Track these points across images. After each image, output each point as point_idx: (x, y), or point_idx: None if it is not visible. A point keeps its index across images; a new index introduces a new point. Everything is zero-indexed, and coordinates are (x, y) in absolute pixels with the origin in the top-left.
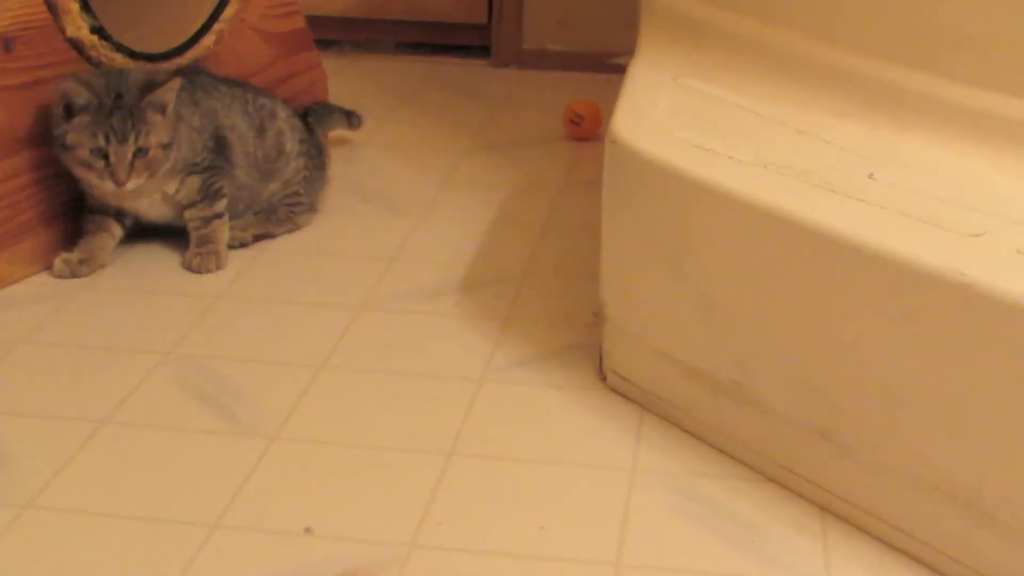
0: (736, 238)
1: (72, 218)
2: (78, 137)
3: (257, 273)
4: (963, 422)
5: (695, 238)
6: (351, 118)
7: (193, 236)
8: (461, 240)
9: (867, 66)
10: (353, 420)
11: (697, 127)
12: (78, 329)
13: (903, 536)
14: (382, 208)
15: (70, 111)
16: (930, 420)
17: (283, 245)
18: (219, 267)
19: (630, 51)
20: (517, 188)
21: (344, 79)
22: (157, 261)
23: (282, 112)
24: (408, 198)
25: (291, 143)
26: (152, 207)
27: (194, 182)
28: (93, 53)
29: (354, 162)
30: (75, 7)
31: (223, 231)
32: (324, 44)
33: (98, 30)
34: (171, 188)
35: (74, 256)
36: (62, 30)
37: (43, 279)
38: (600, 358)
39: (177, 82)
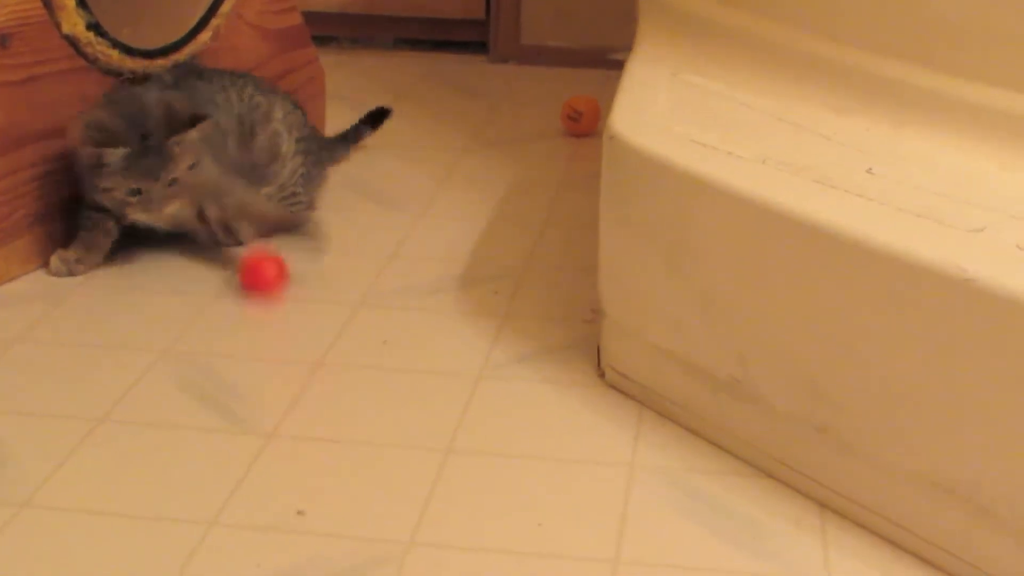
0: (735, 234)
1: (69, 215)
2: (112, 181)
3: None
4: (962, 418)
5: (694, 234)
6: (375, 123)
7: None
8: (459, 236)
9: (867, 61)
10: (351, 417)
11: (696, 123)
12: (75, 327)
13: (902, 532)
14: (380, 205)
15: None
16: (929, 416)
17: (280, 242)
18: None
19: (629, 47)
20: (516, 184)
21: (341, 75)
22: (154, 259)
23: (279, 112)
24: (406, 195)
25: (287, 144)
26: (175, 218)
27: None
28: (89, 50)
29: (352, 159)
30: (71, 3)
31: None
32: (321, 40)
33: (94, 26)
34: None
35: (71, 254)
36: (58, 26)
37: (39, 276)
38: (599, 354)
39: (207, 125)
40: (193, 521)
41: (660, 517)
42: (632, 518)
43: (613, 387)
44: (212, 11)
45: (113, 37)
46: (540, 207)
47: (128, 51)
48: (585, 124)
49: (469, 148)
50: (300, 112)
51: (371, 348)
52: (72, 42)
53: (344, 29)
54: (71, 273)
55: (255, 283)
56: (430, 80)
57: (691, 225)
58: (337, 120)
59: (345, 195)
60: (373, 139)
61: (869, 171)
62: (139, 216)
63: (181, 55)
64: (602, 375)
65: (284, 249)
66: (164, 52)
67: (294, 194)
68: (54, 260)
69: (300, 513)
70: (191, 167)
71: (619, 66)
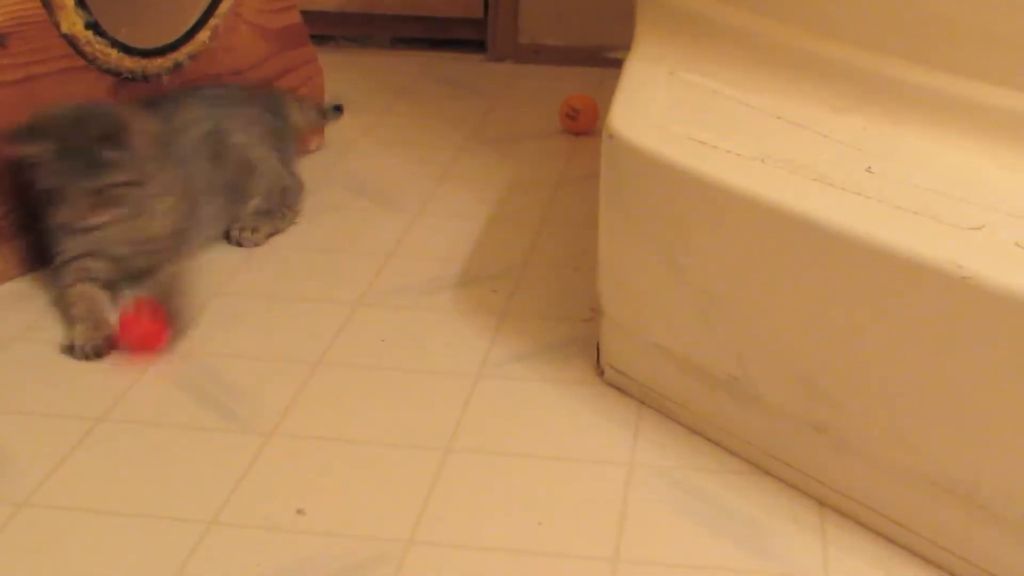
0: (733, 232)
1: None
2: (45, 182)
3: (253, 269)
4: (961, 415)
5: (692, 232)
6: (327, 115)
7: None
8: (458, 235)
9: (865, 59)
10: (350, 416)
11: (694, 121)
12: None
13: (901, 530)
14: (378, 203)
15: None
16: (928, 414)
17: (278, 241)
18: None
19: (627, 45)
20: (514, 183)
21: (340, 74)
22: None
23: (238, 123)
24: (404, 193)
25: (256, 151)
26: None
27: None
28: (88, 49)
29: (351, 157)
30: (70, 3)
31: None
32: (320, 39)
33: (93, 26)
34: None
35: (85, 337)
36: (57, 26)
37: (38, 276)
38: (597, 353)
39: (142, 135)
40: (193, 520)
41: (659, 515)
42: (631, 517)
43: (612, 386)
44: (210, 11)
45: (112, 36)
46: (538, 206)
47: (127, 50)
48: (583, 123)
49: (467, 147)
50: (258, 108)
51: (370, 347)
52: (71, 41)
53: (342, 28)
54: (97, 354)
55: (134, 341)
56: (428, 79)
57: (690, 223)
58: (337, 122)
59: (343, 194)
60: (370, 137)
61: (868, 169)
62: (65, 218)
63: (180, 54)
64: (601, 374)
65: (279, 247)
66: (162, 51)
67: (284, 188)
68: (79, 352)
69: (300, 512)
70: (131, 184)
71: (617, 65)
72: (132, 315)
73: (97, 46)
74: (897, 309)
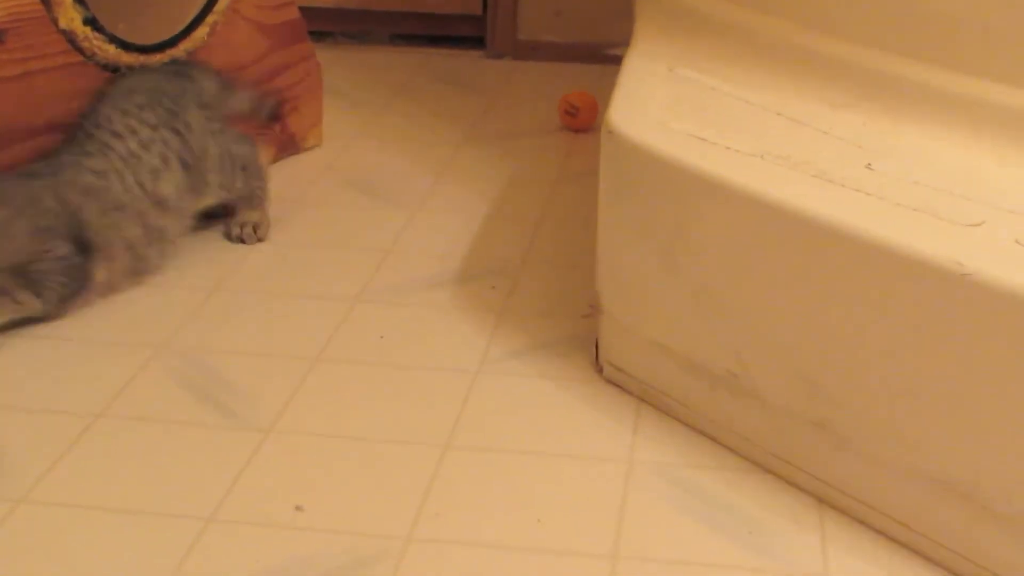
0: (733, 229)
1: None
2: None
3: (250, 266)
4: (961, 413)
5: (692, 229)
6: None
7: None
8: (456, 232)
9: (864, 55)
10: (348, 413)
11: (693, 118)
12: (71, 322)
13: (901, 528)
14: (377, 200)
15: None
16: (928, 411)
17: (276, 237)
18: None
19: (626, 42)
20: (513, 180)
21: (338, 71)
22: None
23: (172, 131)
24: (403, 190)
25: (197, 136)
26: None
27: None
28: (86, 45)
29: (348, 154)
30: None
31: None
32: (318, 35)
33: (91, 21)
34: None
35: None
36: (55, 22)
37: None
38: (596, 350)
39: None
40: (191, 517)
41: (658, 513)
42: (630, 513)
43: (611, 382)
44: (209, 6)
45: (110, 32)
46: (537, 202)
47: (125, 46)
48: (582, 119)
49: (466, 143)
50: (192, 95)
51: (368, 343)
52: (69, 37)
53: (341, 24)
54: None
55: None
56: (427, 75)
57: (689, 220)
58: (335, 118)
59: (340, 190)
60: (368, 133)
61: (868, 166)
62: None
63: (178, 50)
64: (600, 370)
65: (276, 243)
66: (161, 47)
67: (244, 167)
68: None
69: (298, 509)
70: None
71: (616, 61)
72: None
73: (95, 42)
74: (897, 306)
